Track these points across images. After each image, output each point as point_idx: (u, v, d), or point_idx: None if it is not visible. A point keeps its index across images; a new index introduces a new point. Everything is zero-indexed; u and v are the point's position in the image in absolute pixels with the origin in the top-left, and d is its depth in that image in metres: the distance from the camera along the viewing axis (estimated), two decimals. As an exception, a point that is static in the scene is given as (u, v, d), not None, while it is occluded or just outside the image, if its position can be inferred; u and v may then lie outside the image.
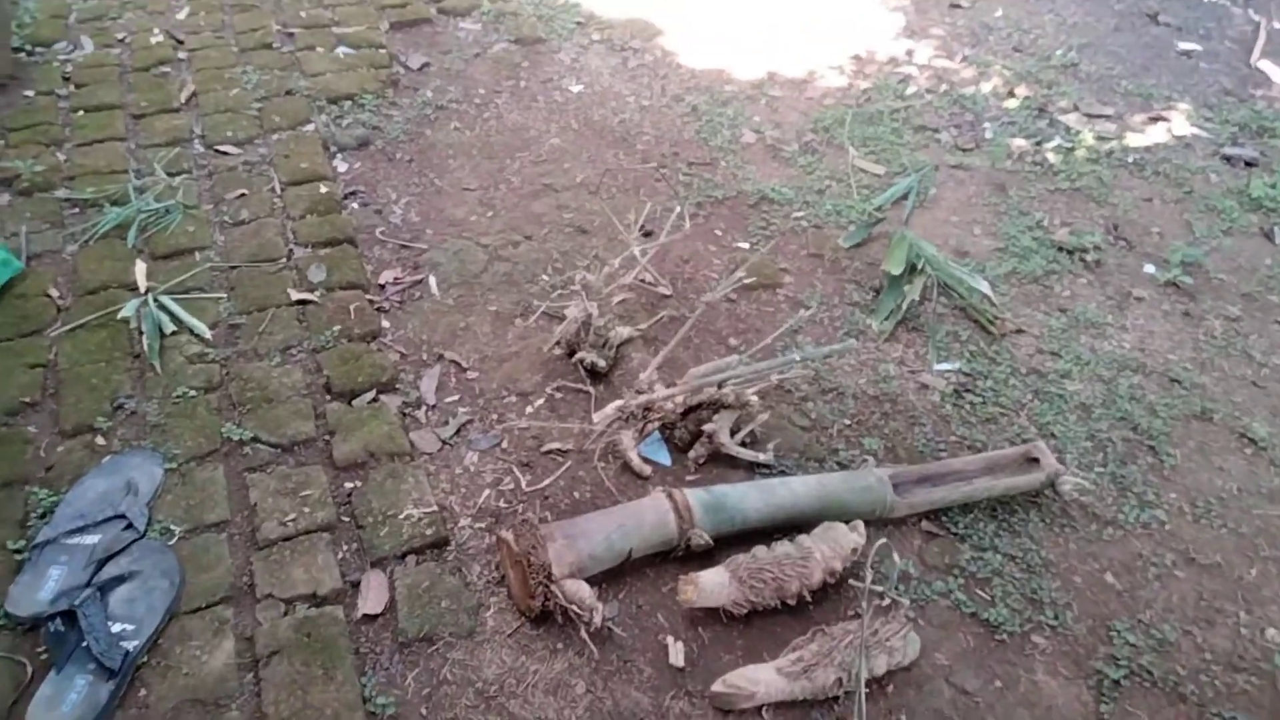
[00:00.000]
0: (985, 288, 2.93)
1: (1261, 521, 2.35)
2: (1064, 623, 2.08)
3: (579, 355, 2.51)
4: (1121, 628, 2.08)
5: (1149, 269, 3.10)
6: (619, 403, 2.26)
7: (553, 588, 1.93)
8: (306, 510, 2.16)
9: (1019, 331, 2.85)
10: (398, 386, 2.51)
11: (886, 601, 1.94)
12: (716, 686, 1.86)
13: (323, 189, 3.18)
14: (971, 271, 2.99)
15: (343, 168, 3.33)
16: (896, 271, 2.87)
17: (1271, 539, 2.31)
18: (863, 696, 1.79)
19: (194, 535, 2.11)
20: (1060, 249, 3.13)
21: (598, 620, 1.92)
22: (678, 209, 2.88)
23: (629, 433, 2.30)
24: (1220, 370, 2.77)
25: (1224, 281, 3.07)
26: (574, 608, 1.92)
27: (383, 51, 3.92)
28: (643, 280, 2.85)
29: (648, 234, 3.07)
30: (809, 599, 2.04)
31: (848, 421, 2.51)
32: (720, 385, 2.26)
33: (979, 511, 2.29)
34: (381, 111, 3.60)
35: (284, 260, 2.88)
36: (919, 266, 2.93)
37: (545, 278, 2.91)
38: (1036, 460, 2.30)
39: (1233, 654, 2.06)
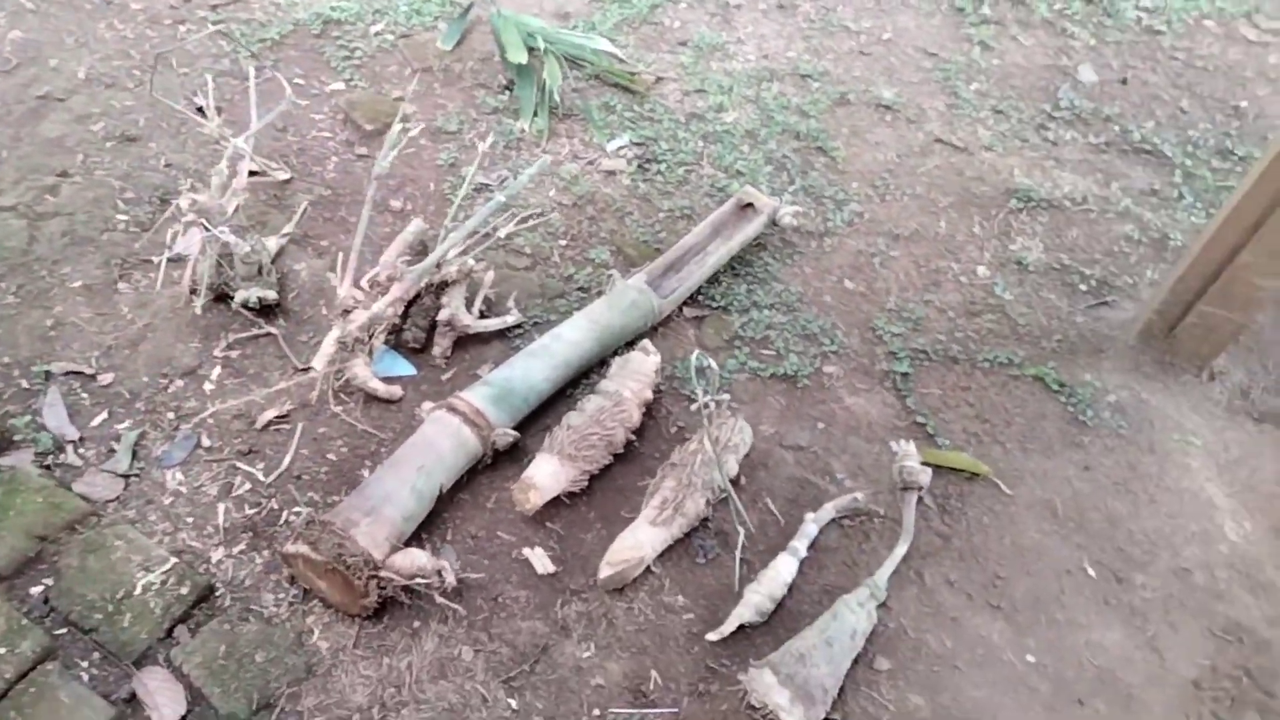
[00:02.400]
0: (608, 46, 2.74)
1: (926, 176, 2.58)
2: (839, 343, 2.17)
3: (240, 297, 1.98)
4: (881, 323, 2.22)
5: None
6: (334, 334, 1.83)
7: (384, 575, 1.60)
8: (3, 650, 1.55)
9: (659, 80, 2.73)
10: (15, 437, 1.83)
11: (711, 408, 1.86)
12: (604, 572, 1.71)
13: None
14: (587, 33, 2.77)
15: None
16: (522, 60, 2.57)
17: (941, 189, 2.55)
18: (738, 503, 1.74)
19: None
20: (650, -22, 2.99)
21: (450, 579, 1.64)
22: (251, 70, 2.28)
23: (359, 360, 1.90)
24: (832, 51, 2.90)
25: (795, -38, 3.15)
26: (418, 581, 1.62)
27: None
28: (253, 172, 2.28)
29: (200, 111, 2.41)
30: (634, 439, 1.91)
31: (564, 243, 2.29)
32: (439, 266, 1.91)
33: (725, 279, 2.25)
34: None
35: None
36: (539, 48, 2.64)
37: (121, 216, 2.22)
38: (751, 205, 2.28)
39: (965, 303, 2.30)
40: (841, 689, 1.60)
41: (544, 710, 1.59)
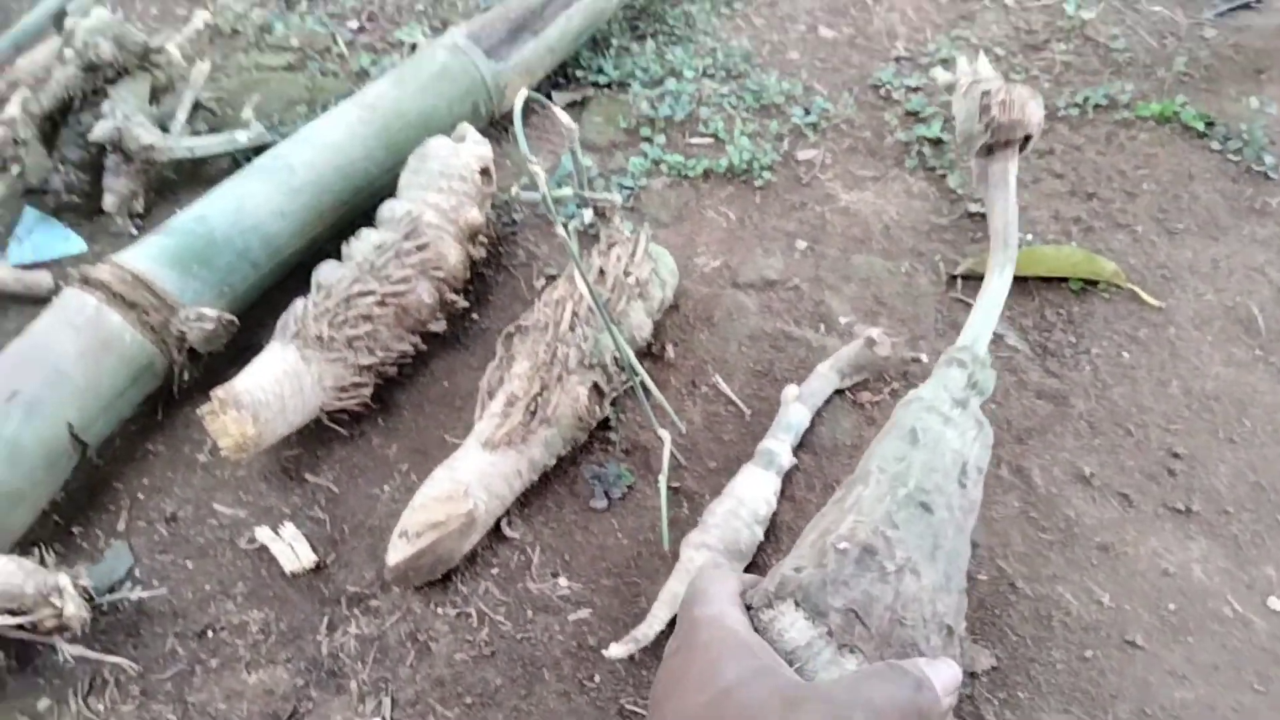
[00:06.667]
0: None
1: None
2: (820, 112, 1.29)
3: None
4: (888, 76, 1.34)
5: None
6: None
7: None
8: None
9: None
10: None
11: (589, 216, 1.00)
12: (396, 553, 0.85)
13: None
14: None
15: None
16: None
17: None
18: (653, 387, 0.89)
19: None
20: None
21: (75, 609, 0.80)
22: None
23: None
24: None
25: None
26: (4, 621, 0.78)
27: None
28: None
29: None
30: (460, 300, 1.06)
31: (355, 25, 1.42)
32: (60, 23, 1.05)
33: (619, 39, 1.38)
34: None
35: None
36: None
37: None
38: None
39: (1019, 33, 1.41)
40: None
41: None
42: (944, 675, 0.49)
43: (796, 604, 0.54)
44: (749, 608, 0.56)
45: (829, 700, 0.45)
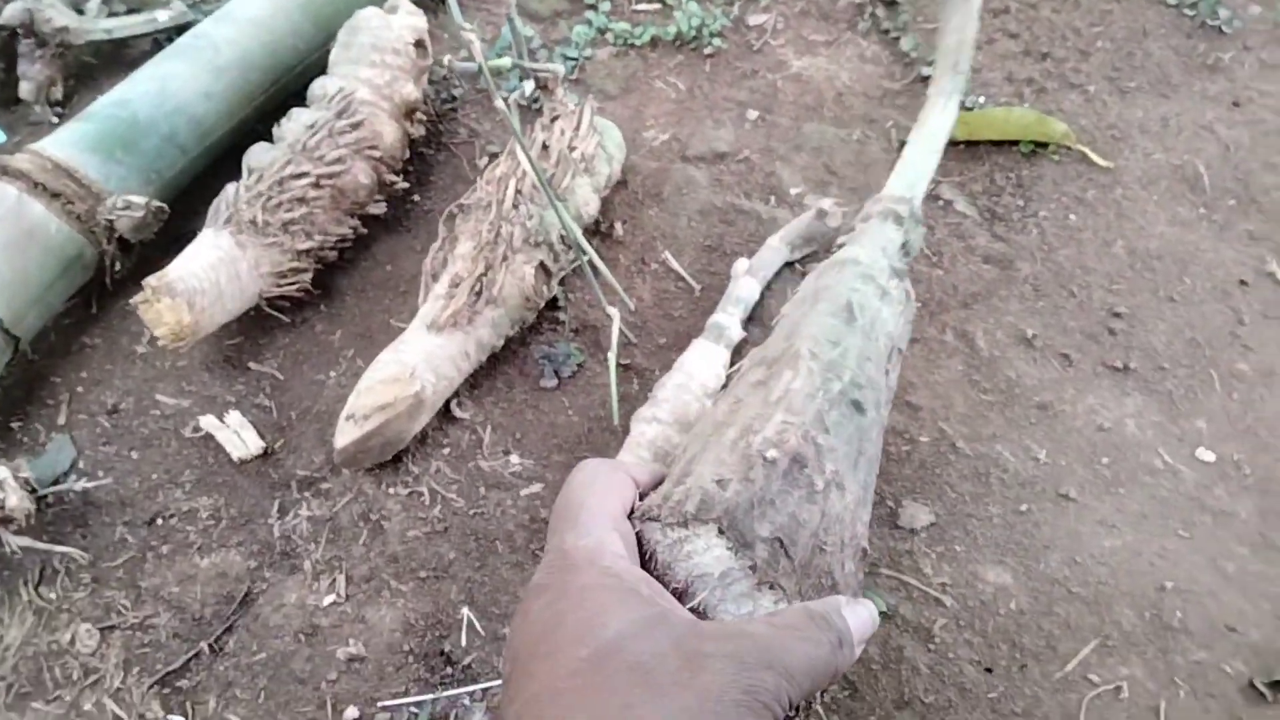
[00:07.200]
0: None
1: None
2: (772, -25, 1.24)
3: None
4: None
5: None
6: None
7: None
8: None
9: None
10: None
11: (530, 88, 0.97)
12: (344, 435, 0.85)
13: None
14: None
15: None
16: None
17: None
18: (600, 264, 0.88)
19: None
20: None
21: (20, 501, 0.80)
22: None
23: None
24: None
25: None
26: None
27: None
28: None
29: None
30: (399, 181, 1.03)
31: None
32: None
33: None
34: None
35: None
36: None
37: None
38: None
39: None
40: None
41: (244, 727, 0.78)
42: (861, 619, 0.44)
43: (720, 530, 0.47)
44: (653, 519, 0.49)
45: (736, 658, 0.38)
